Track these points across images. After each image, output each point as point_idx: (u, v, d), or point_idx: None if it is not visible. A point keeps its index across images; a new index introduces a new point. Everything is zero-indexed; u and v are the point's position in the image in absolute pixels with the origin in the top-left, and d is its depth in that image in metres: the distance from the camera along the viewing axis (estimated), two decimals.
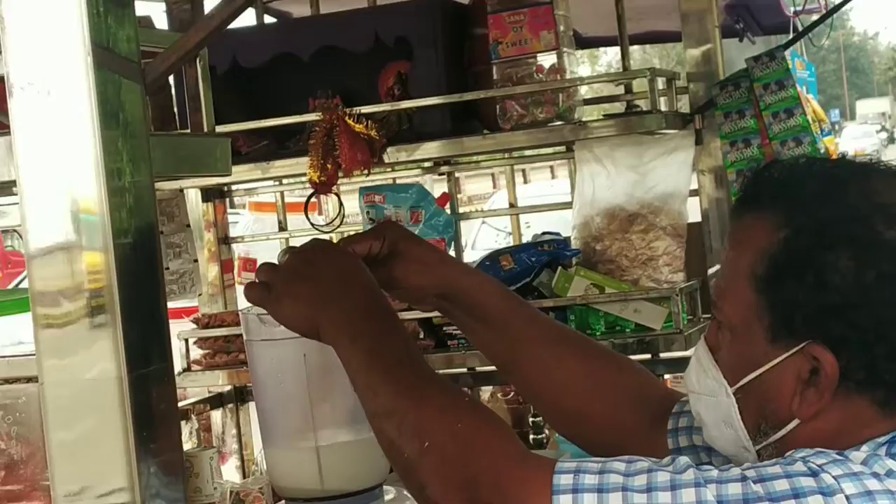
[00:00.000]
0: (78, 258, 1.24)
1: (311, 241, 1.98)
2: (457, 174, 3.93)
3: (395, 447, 1.68)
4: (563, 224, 3.73)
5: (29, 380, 1.84)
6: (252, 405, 4.03)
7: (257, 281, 1.89)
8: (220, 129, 3.29)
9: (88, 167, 1.17)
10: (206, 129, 1.43)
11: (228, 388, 3.90)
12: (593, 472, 1.50)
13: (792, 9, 4.54)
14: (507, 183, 3.97)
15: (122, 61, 1.20)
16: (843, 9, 4.20)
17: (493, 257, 3.43)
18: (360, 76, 3.35)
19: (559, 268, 3.35)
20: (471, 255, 3.78)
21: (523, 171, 14.64)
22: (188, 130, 1.48)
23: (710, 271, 3.39)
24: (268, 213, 4.39)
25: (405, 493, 2.22)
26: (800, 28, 4.06)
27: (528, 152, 4.05)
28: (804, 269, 1.57)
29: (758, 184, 1.72)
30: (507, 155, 3.88)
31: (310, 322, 1.81)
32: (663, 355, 3.36)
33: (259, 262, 2.44)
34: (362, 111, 3.20)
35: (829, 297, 1.55)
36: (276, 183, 3.92)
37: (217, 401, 3.90)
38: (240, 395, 3.96)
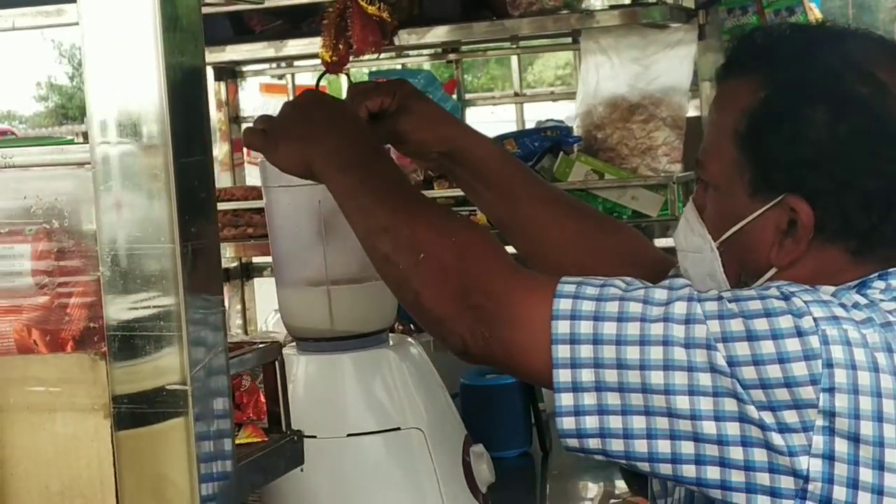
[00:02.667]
0: None
1: (304, 92, 2.06)
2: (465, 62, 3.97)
3: (389, 261, 1.73)
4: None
5: None
6: (257, 281, 4.14)
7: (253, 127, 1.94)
8: (235, 7, 3.38)
9: None
10: None
11: (235, 264, 3.99)
12: (591, 298, 1.56)
13: None
14: (513, 72, 4.03)
15: None
16: None
17: (497, 141, 3.49)
18: None
19: (561, 153, 3.41)
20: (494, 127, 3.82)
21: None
22: None
23: None
24: (279, 94, 4.44)
25: (408, 339, 2.33)
26: None
27: (535, 43, 4.06)
28: (782, 124, 1.62)
29: (741, 49, 1.76)
30: (514, 45, 3.93)
31: (303, 161, 1.86)
32: (659, 242, 3.42)
33: None
34: None
35: (805, 151, 1.61)
36: (287, 65, 3.99)
37: (223, 276, 3.97)
38: (245, 272, 4.05)
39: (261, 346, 1.54)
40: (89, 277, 1.27)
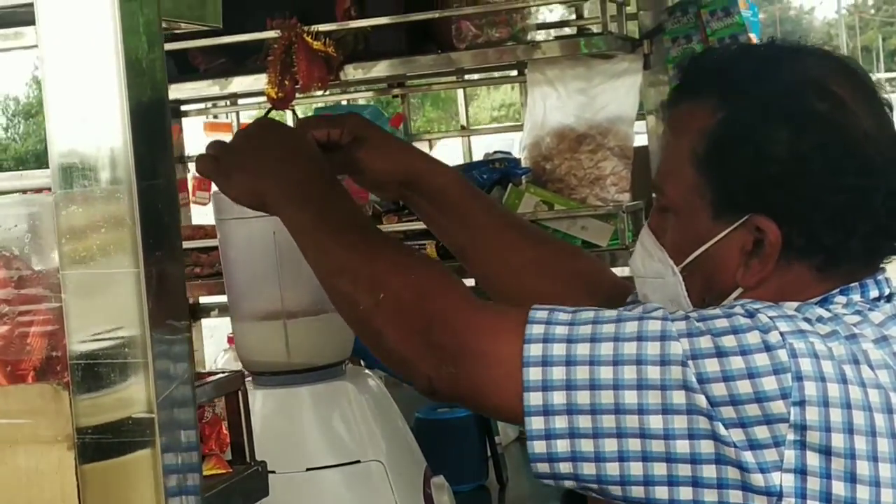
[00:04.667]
0: None
1: (258, 119, 2.04)
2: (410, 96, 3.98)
3: (349, 301, 1.73)
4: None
5: None
6: (204, 322, 4.10)
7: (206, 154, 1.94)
8: (179, 45, 3.37)
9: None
10: None
11: None
12: (564, 323, 1.55)
13: None
14: (459, 106, 4.03)
15: None
16: None
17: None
18: None
19: (510, 185, 3.40)
20: None
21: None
22: None
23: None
24: (223, 132, 4.41)
25: (365, 370, 2.31)
26: None
27: (480, 76, 4.07)
28: (744, 144, 1.62)
29: (693, 71, 1.76)
30: (458, 78, 3.94)
31: (256, 193, 1.86)
32: None
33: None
34: (320, 29, 3.24)
35: (768, 170, 1.60)
36: (231, 103, 3.96)
37: None
38: (193, 313, 4.00)
39: (224, 375, 1.52)
40: (50, 305, 1.24)
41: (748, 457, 1.47)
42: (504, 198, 3.40)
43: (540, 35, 3.57)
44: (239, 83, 3.43)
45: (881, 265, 1.69)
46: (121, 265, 1.19)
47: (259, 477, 1.51)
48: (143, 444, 1.21)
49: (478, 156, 3.97)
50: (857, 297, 1.63)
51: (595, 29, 3.38)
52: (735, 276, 1.65)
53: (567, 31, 3.89)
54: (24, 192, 1.28)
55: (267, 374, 2.17)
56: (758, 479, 1.47)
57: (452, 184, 2.11)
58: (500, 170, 3.48)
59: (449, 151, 4.96)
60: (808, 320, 1.53)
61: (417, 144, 4.05)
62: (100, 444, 1.22)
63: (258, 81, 3.28)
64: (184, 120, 4.06)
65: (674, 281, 1.70)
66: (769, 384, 1.47)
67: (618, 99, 3.40)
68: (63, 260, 1.20)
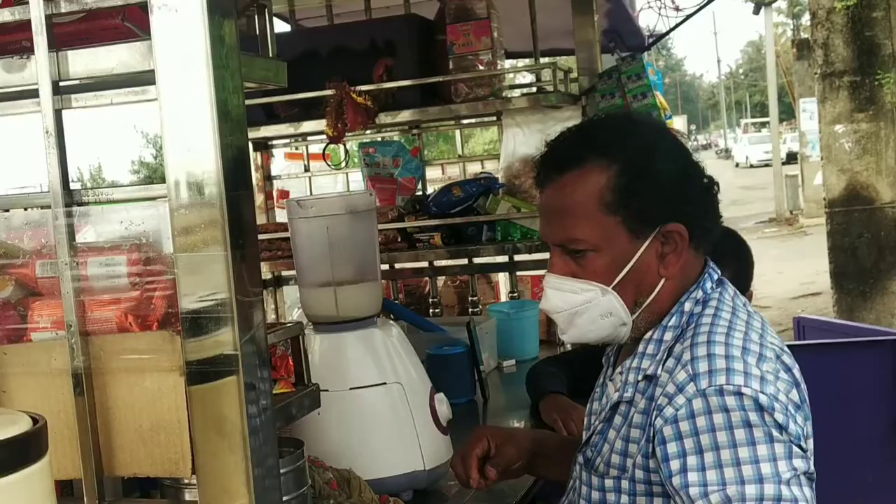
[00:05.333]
0: None
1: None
2: (424, 135, 3.95)
3: None
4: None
5: None
6: (286, 289, 4.08)
7: None
8: (267, 99, 3.35)
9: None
10: (271, 55, 1.46)
11: (269, 276, 3.93)
12: None
13: (647, 34, 4.62)
14: (457, 142, 4.01)
15: None
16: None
17: (448, 188, 3.49)
18: (360, 67, 3.36)
19: (491, 195, 3.42)
20: (435, 185, 3.79)
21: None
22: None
23: None
24: (297, 160, 4.40)
25: (390, 322, 2.29)
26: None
27: (472, 120, 4.04)
28: (643, 179, 1.54)
29: (559, 156, 1.60)
30: (456, 122, 3.92)
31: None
32: None
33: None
34: (362, 89, 3.23)
35: (666, 189, 1.55)
36: (302, 139, 3.95)
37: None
38: (276, 282, 4.00)
39: (289, 324, 1.50)
40: (168, 277, 1.23)
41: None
42: (487, 203, 3.39)
43: (512, 93, 3.55)
44: (307, 126, 3.42)
45: None
46: (215, 250, 1.18)
47: (314, 394, 1.49)
48: (231, 372, 1.19)
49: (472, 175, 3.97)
50: (723, 287, 1.62)
51: (549, 88, 3.36)
52: (658, 273, 1.58)
53: (530, 90, 3.87)
54: (149, 199, 1.26)
55: (322, 324, 2.14)
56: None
57: (554, 449, 1.96)
58: (483, 185, 3.48)
59: (451, 172, 4.93)
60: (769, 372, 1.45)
61: (429, 169, 4.04)
62: (201, 372, 1.20)
63: (320, 124, 3.27)
64: (273, 150, 4.06)
65: (608, 298, 1.58)
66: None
67: None
68: (176, 246, 1.19)
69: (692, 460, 1.39)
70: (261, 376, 1.22)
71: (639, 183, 1.55)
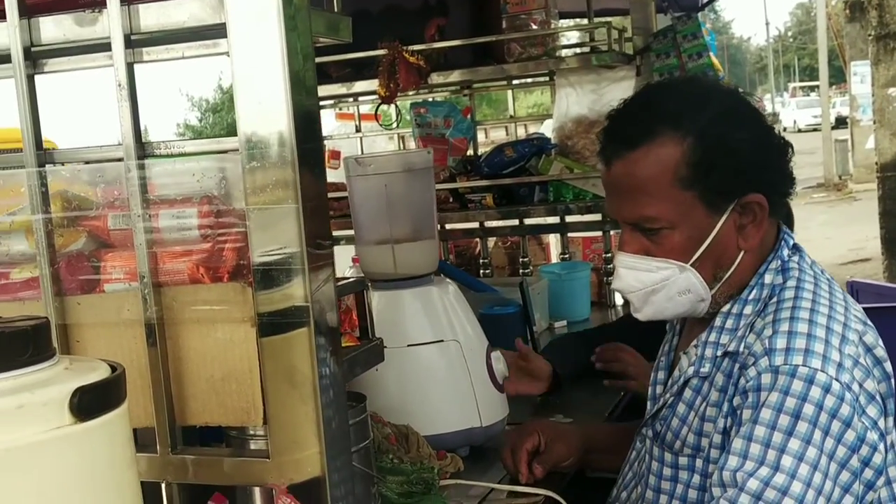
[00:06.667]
0: None
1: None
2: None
3: None
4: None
5: None
6: (337, 248, 4.09)
7: None
8: (319, 59, 3.35)
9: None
10: (336, 10, 1.45)
11: None
12: None
13: None
14: (509, 102, 3.99)
15: None
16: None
17: (500, 148, 3.47)
18: (413, 27, 3.36)
19: (543, 155, 3.40)
20: (486, 147, 3.78)
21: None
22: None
23: None
24: (348, 120, 4.41)
25: (446, 280, 2.30)
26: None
27: (523, 81, 4.02)
28: (719, 151, 1.49)
29: (632, 124, 1.54)
30: (508, 83, 3.89)
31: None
32: None
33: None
34: (414, 48, 3.22)
35: (744, 159, 1.50)
36: (353, 100, 3.95)
37: None
38: None
39: (354, 279, 1.51)
40: (239, 230, 1.24)
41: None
42: (539, 164, 3.37)
43: (565, 52, 3.52)
44: (359, 86, 3.41)
45: None
46: (286, 202, 1.18)
47: (377, 348, 1.50)
48: (302, 323, 1.20)
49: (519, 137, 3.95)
50: (800, 254, 1.59)
51: (603, 48, 3.33)
52: (738, 246, 1.54)
53: (583, 50, 3.83)
54: (220, 152, 1.26)
55: (381, 281, 2.14)
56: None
57: (606, 436, 2.00)
58: (536, 145, 3.46)
59: (496, 134, 4.91)
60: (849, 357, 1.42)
61: (478, 129, 4.02)
62: (273, 323, 1.21)
63: (372, 84, 3.27)
64: (323, 111, 4.07)
65: (686, 276, 1.53)
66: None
67: (618, 96, 3.30)
68: (248, 199, 1.20)
69: (745, 429, 1.38)
70: (331, 328, 1.23)
71: (715, 155, 1.49)
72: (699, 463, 1.52)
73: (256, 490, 1.35)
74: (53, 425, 0.92)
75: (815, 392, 1.35)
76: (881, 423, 1.42)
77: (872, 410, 1.40)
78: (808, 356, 1.38)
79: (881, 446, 1.41)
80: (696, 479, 1.53)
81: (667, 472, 1.58)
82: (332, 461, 1.22)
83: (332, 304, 1.24)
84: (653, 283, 1.55)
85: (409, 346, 2.08)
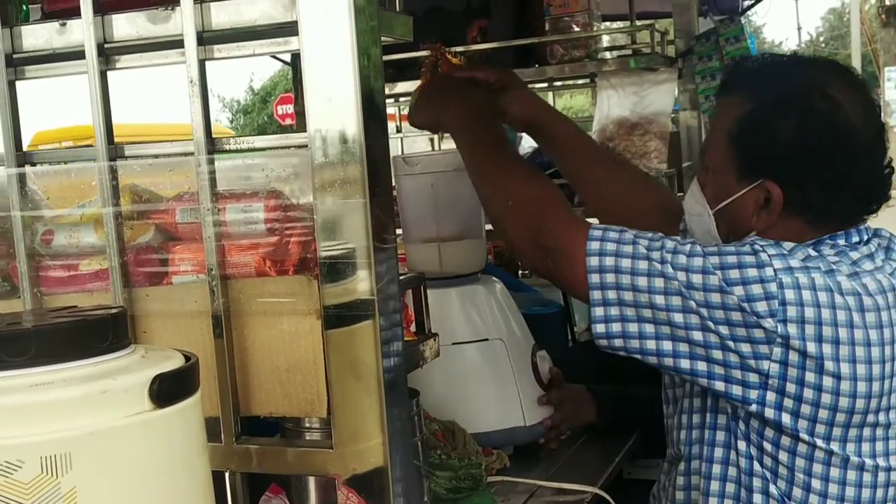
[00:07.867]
0: None
1: (439, 75, 2.12)
2: None
3: (488, 201, 1.78)
4: None
5: None
6: None
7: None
8: None
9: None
10: (397, 10, 1.48)
11: None
12: (613, 241, 1.56)
13: None
14: (550, 103, 3.99)
15: None
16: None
17: (540, 150, 3.48)
18: (455, 28, 3.36)
19: None
20: (523, 149, 3.78)
21: None
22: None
23: (684, 165, 3.43)
24: (389, 121, 4.43)
25: (493, 279, 2.31)
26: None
27: (564, 83, 4.02)
28: (762, 129, 1.59)
29: (734, 73, 1.75)
30: (549, 84, 3.90)
31: (436, 119, 1.95)
32: None
33: None
34: (456, 50, 3.22)
35: (777, 149, 1.58)
36: (395, 100, 3.97)
37: None
38: None
39: (412, 275, 1.53)
40: (306, 224, 1.26)
41: (746, 348, 1.48)
42: None
43: (606, 55, 3.53)
44: (401, 86, 3.43)
45: (864, 219, 1.65)
46: (353, 197, 1.21)
47: (434, 342, 1.52)
48: (367, 316, 1.22)
49: None
50: (841, 242, 1.60)
51: (644, 51, 3.33)
52: (750, 222, 1.63)
53: (625, 52, 3.83)
54: (286, 147, 1.29)
55: (427, 279, 2.16)
56: (751, 363, 1.48)
57: (567, 132, 2.09)
58: None
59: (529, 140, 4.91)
60: (797, 258, 1.51)
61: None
62: (338, 316, 1.24)
63: (413, 85, 3.27)
64: None
65: (709, 220, 1.68)
66: (761, 307, 1.46)
67: (659, 99, 3.35)
68: (315, 193, 1.22)
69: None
70: (394, 321, 1.25)
71: (756, 129, 1.60)
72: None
73: (311, 482, 1.38)
74: (134, 410, 0.94)
75: (745, 248, 1.53)
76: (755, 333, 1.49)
77: (757, 305, 1.48)
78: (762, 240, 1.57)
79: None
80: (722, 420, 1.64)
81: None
82: (394, 452, 1.24)
83: (396, 297, 1.27)
84: (695, 214, 1.72)
85: (454, 343, 2.09)
